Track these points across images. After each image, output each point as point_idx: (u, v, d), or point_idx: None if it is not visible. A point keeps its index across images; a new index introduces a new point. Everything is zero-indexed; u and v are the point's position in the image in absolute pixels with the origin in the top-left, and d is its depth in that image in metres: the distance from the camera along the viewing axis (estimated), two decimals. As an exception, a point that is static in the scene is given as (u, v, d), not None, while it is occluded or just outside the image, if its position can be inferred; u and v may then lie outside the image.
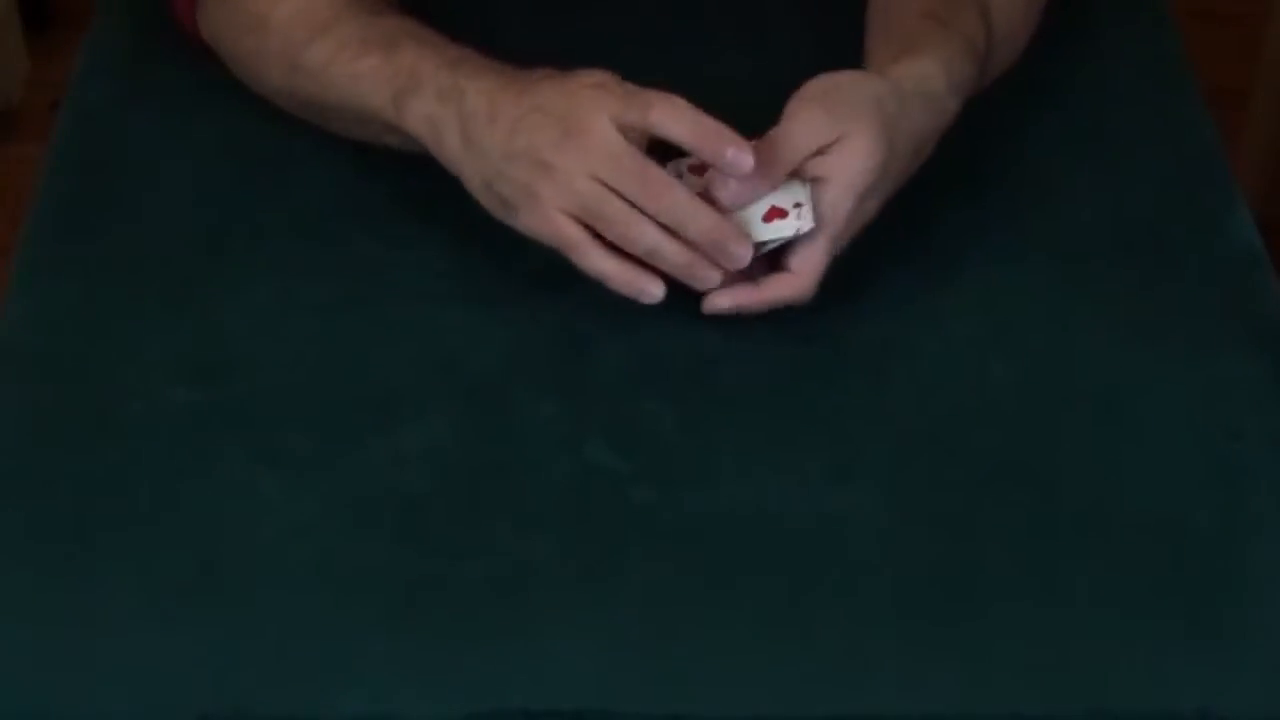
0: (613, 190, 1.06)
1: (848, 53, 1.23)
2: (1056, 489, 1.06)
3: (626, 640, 0.99)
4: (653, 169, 1.06)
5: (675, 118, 1.06)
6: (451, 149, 1.11)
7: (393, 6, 1.21)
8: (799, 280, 1.10)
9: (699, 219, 1.06)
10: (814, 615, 1.00)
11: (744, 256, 1.07)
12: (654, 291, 1.08)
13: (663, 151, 1.08)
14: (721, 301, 1.10)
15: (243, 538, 1.03)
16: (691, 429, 1.09)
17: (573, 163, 1.06)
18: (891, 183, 1.11)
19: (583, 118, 1.06)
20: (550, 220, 1.07)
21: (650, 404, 1.10)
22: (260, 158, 1.24)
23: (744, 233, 1.08)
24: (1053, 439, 1.08)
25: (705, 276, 1.09)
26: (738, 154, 1.06)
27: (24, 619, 1.00)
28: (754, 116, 1.16)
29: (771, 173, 1.08)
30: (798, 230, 1.08)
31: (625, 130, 1.06)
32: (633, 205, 1.06)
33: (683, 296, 1.11)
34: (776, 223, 1.08)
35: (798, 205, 1.08)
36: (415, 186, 1.20)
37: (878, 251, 1.15)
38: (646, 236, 1.06)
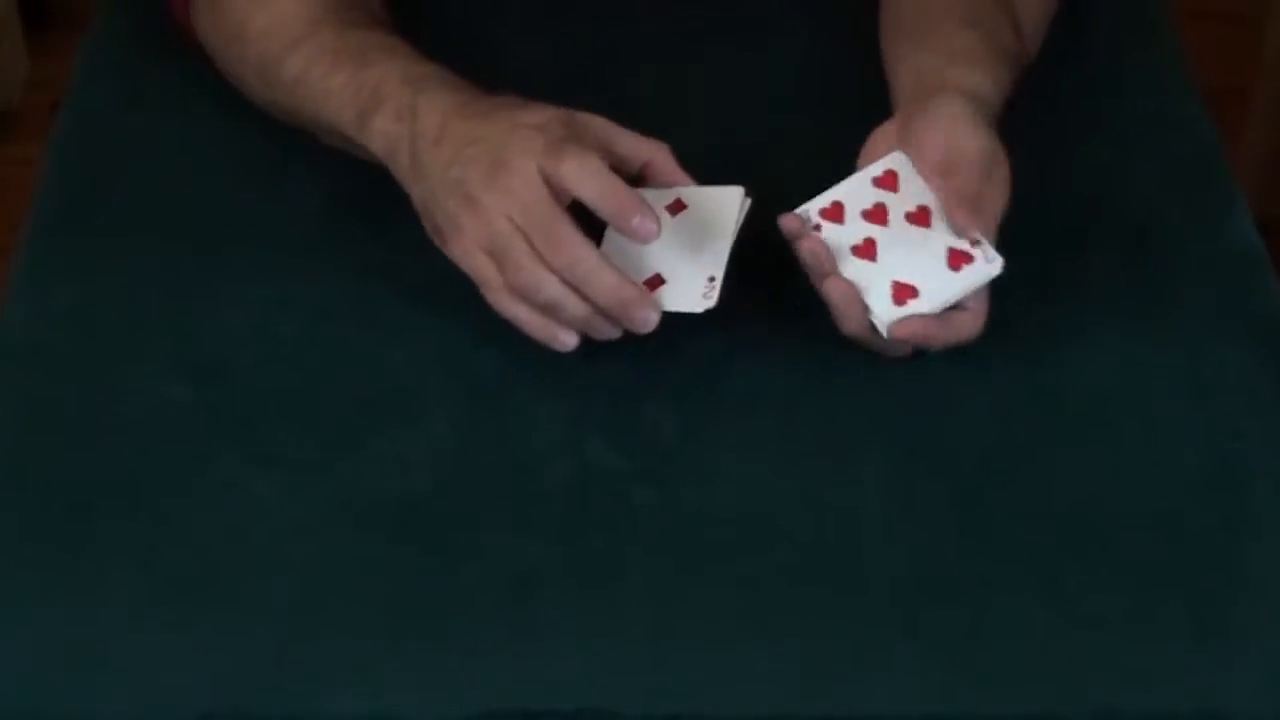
0: (524, 237, 1.05)
1: (848, 53, 1.23)
2: (1056, 488, 1.06)
3: (626, 640, 0.99)
4: (564, 223, 1.05)
5: (585, 177, 1.05)
6: (402, 167, 1.11)
7: (372, 17, 1.20)
8: (976, 320, 1.09)
9: (600, 281, 1.05)
10: (814, 615, 1.00)
11: (650, 320, 1.06)
12: (566, 340, 1.08)
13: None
14: (909, 330, 1.08)
15: (242, 538, 1.03)
16: (691, 429, 1.09)
17: (494, 201, 1.06)
18: (1003, 183, 1.12)
19: (512, 157, 1.06)
20: (470, 255, 1.07)
21: (650, 404, 1.10)
22: (260, 158, 1.24)
23: (648, 298, 1.06)
24: (1052, 439, 1.08)
25: (605, 331, 1.08)
26: (642, 221, 1.05)
27: (24, 619, 1.00)
28: (754, 117, 1.17)
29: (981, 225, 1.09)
30: (989, 275, 1.08)
31: (547, 179, 1.05)
32: (538, 256, 1.05)
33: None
34: (965, 269, 1.09)
35: (976, 243, 1.09)
36: (415, 186, 1.20)
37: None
38: (545, 289, 1.06)
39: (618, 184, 1.05)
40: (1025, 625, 1.00)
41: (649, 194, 1.08)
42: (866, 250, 1.09)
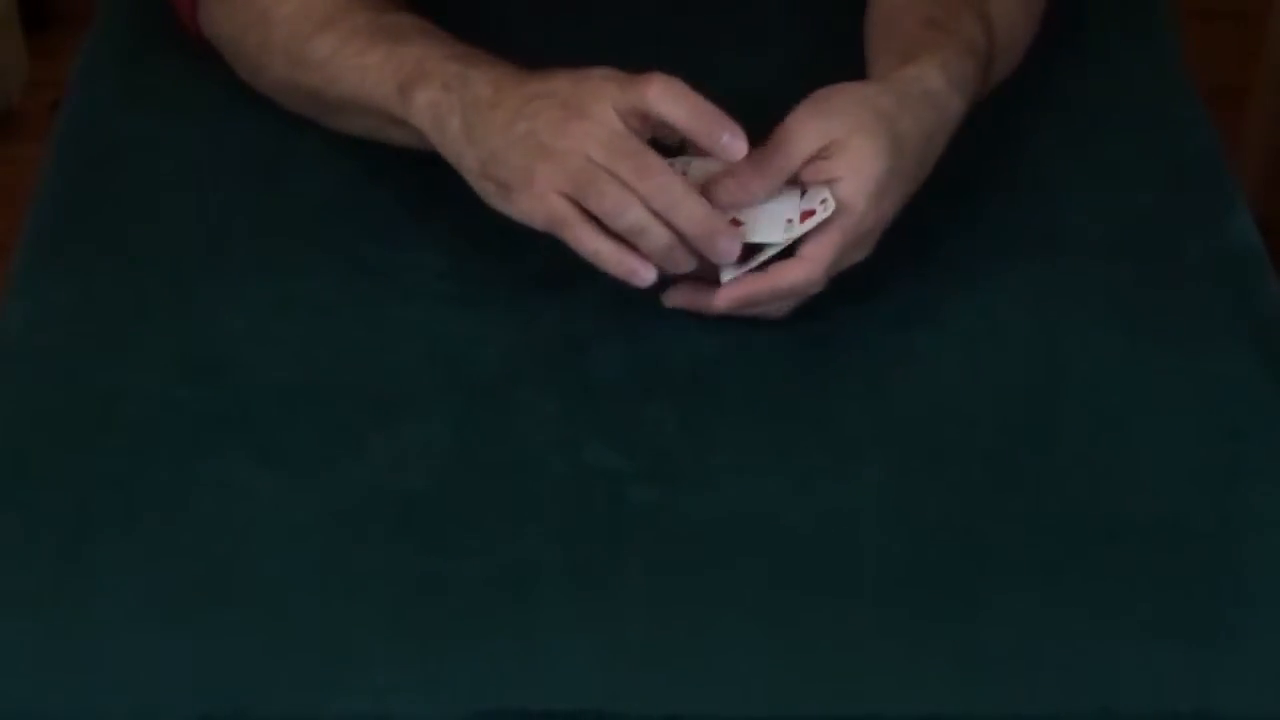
0: (607, 171, 1.06)
1: (848, 54, 1.23)
2: (1056, 488, 1.06)
3: (625, 640, 0.99)
4: (649, 154, 1.06)
5: (672, 98, 1.06)
6: (452, 134, 1.11)
7: (397, 3, 1.21)
8: (809, 265, 1.09)
9: (690, 207, 1.06)
10: (813, 615, 1.00)
11: (731, 250, 1.08)
12: (645, 274, 1.08)
13: (667, 152, 1.09)
14: (735, 292, 1.10)
15: (242, 537, 1.03)
16: (691, 429, 1.09)
17: (571, 144, 1.06)
18: (905, 183, 1.11)
19: (584, 103, 1.07)
20: (544, 199, 1.08)
21: (650, 404, 1.10)
22: (260, 158, 1.24)
23: (733, 228, 1.08)
24: (1052, 438, 1.08)
25: (683, 263, 1.08)
26: (732, 140, 1.06)
27: (24, 619, 1.00)
28: (753, 118, 1.16)
29: (769, 175, 1.08)
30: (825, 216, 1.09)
31: (625, 117, 1.06)
32: (625, 184, 1.06)
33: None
34: (809, 221, 1.09)
35: (824, 201, 1.09)
36: (415, 186, 1.20)
37: (877, 252, 1.15)
38: (632, 214, 1.06)
39: (705, 103, 1.07)
40: (1025, 625, 1.00)
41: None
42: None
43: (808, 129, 1.09)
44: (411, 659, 0.98)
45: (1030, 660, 0.98)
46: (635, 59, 1.16)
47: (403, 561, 1.02)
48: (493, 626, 0.99)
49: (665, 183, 1.06)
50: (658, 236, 1.07)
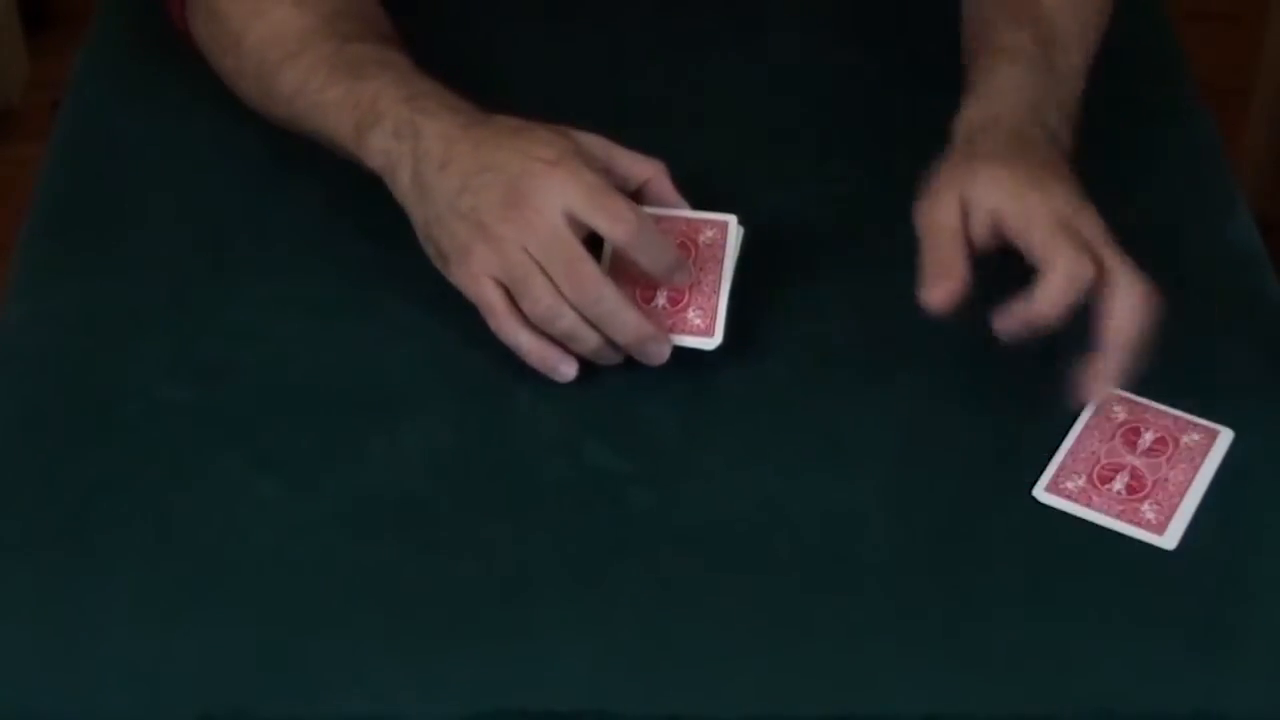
0: (542, 272, 1.06)
1: (848, 54, 1.23)
2: (1056, 489, 1.06)
3: (625, 641, 0.99)
4: (586, 262, 1.06)
5: (640, 243, 1.06)
6: (403, 186, 1.11)
7: (370, 29, 1.19)
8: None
9: (621, 320, 1.07)
10: (813, 615, 1.00)
11: (663, 355, 1.08)
12: (566, 371, 1.09)
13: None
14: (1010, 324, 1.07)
15: (242, 538, 1.03)
16: (690, 430, 1.09)
17: (510, 233, 1.06)
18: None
19: (530, 193, 1.06)
20: (477, 281, 1.08)
21: (649, 405, 1.10)
22: (260, 158, 1.24)
23: (664, 336, 1.08)
24: (1052, 439, 1.08)
25: (610, 358, 1.09)
26: (681, 276, 1.08)
27: (24, 619, 1.00)
28: (753, 117, 1.16)
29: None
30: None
31: (571, 221, 1.06)
32: (557, 290, 1.06)
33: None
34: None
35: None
36: (415, 186, 1.19)
37: (877, 253, 1.15)
38: (563, 321, 1.07)
39: (667, 244, 1.08)
40: (1025, 625, 1.00)
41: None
42: None
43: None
44: (411, 659, 0.98)
45: (1030, 660, 0.98)
46: (635, 58, 1.16)
47: (402, 562, 1.02)
48: (492, 627, 0.99)
49: (598, 294, 1.06)
50: (590, 341, 1.08)
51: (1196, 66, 1.33)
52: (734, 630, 0.99)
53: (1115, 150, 1.26)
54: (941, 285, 1.06)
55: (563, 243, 1.05)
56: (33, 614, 1.00)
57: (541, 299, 1.06)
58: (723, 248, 1.10)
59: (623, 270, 1.08)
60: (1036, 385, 1.11)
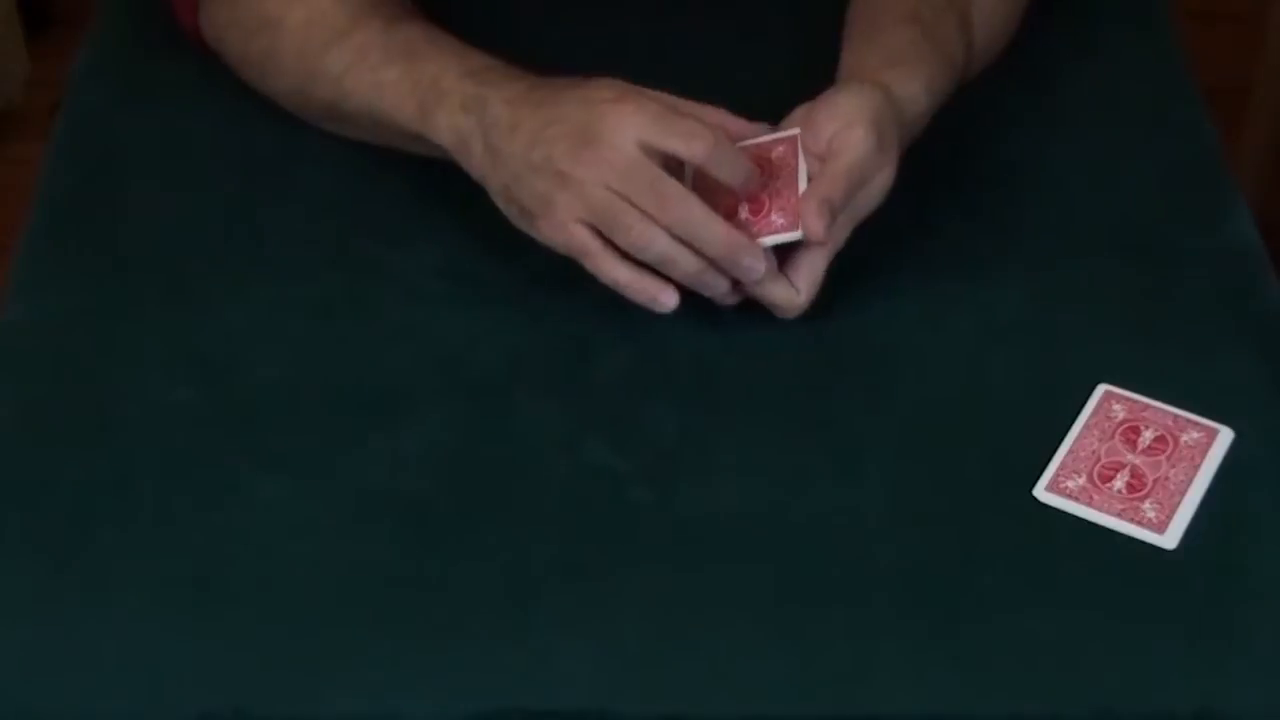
0: (628, 201, 1.07)
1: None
2: (1056, 489, 1.06)
3: (625, 640, 0.99)
4: (668, 182, 1.07)
5: (712, 156, 1.08)
6: (477, 158, 1.12)
7: (409, 12, 1.20)
8: (796, 296, 1.11)
9: (711, 232, 1.07)
10: (814, 615, 1.00)
11: (756, 268, 1.09)
12: (666, 301, 1.09)
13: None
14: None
15: (242, 538, 1.03)
16: (690, 430, 1.09)
17: (589, 174, 1.07)
18: (878, 192, 1.11)
19: (600, 132, 1.07)
20: (565, 229, 1.08)
21: (650, 404, 1.10)
22: (260, 158, 1.24)
23: (756, 245, 1.09)
24: (1052, 439, 1.08)
25: (715, 284, 1.10)
26: (749, 180, 1.09)
27: (24, 619, 1.00)
28: (754, 116, 1.16)
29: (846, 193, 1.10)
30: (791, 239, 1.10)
31: (646, 149, 1.07)
32: (646, 215, 1.07)
33: (684, 298, 1.11)
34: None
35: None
36: (415, 186, 1.20)
37: (877, 252, 1.15)
38: (658, 244, 1.07)
39: (741, 156, 1.09)
40: (1025, 625, 1.00)
41: None
42: None
43: (875, 158, 1.10)
44: (411, 659, 0.98)
45: (1030, 660, 0.98)
46: (634, 58, 1.16)
47: (402, 561, 1.02)
48: (493, 626, 0.99)
49: (686, 211, 1.07)
50: (687, 263, 1.08)
51: (1196, 66, 1.33)
52: (734, 630, 0.99)
53: (1115, 150, 1.26)
54: (822, 214, 1.08)
55: (641, 168, 1.07)
56: (33, 614, 1.00)
57: (633, 226, 1.07)
58: (795, 156, 1.11)
59: (703, 190, 1.09)
60: (1036, 385, 1.11)
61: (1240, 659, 0.99)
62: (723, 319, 1.12)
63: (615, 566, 1.02)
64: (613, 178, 1.07)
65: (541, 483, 1.06)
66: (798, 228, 1.09)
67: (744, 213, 1.11)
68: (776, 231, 1.09)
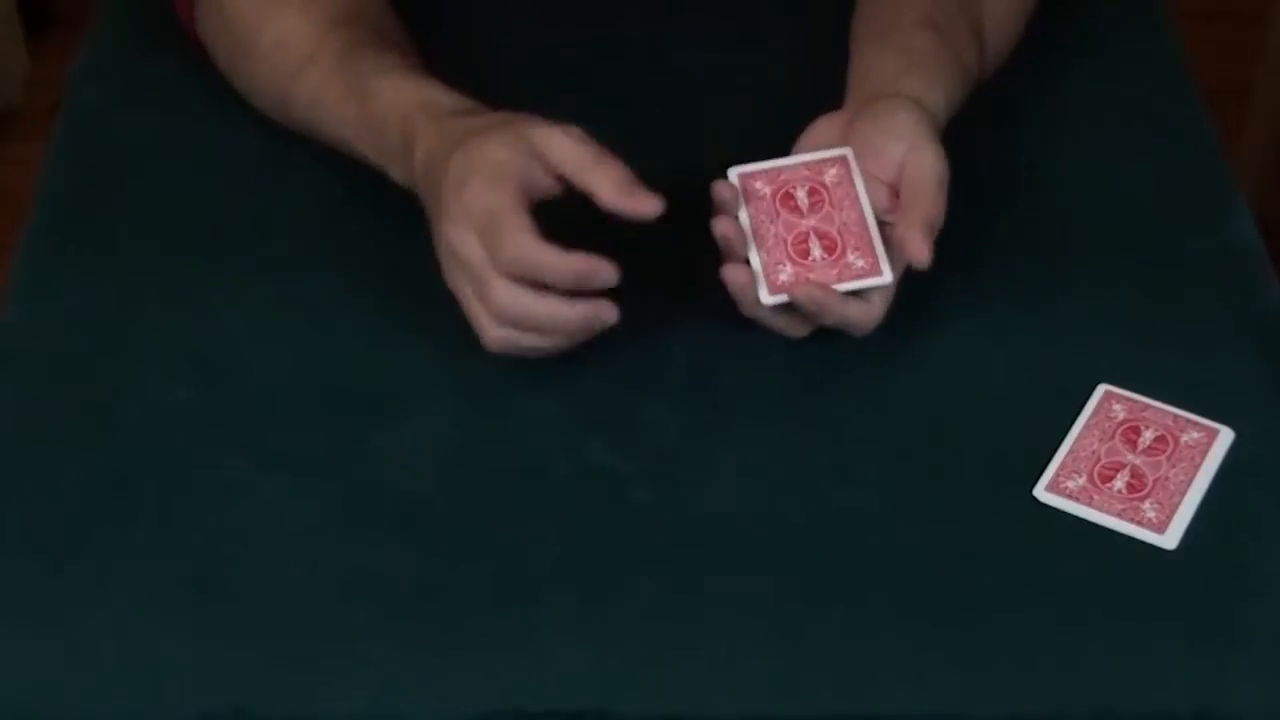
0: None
1: (847, 53, 1.22)
2: (1056, 489, 1.06)
3: (625, 641, 0.99)
4: (489, 270, 1.05)
5: (523, 260, 1.04)
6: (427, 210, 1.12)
7: (373, 28, 1.19)
8: (870, 311, 1.10)
9: (541, 310, 1.05)
10: (814, 616, 1.00)
11: (611, 275, 1.05)
12: (607, 316, 1.06)
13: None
14: (801, 292, 1.08)
15: (242, 538, 1.03)
16: (691, 430, 1.09)
17: (445, 250, 1.07)
18: None
19: (447, 230, 1.06)
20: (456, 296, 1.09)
21: (650, 405, 1.10)
22: (260, 158, 1.24)
23: (601, 261, 1.05)
24: (1052, 439, 1.08)
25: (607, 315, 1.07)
26: (606, 274, 1.05)
27: (24, 619, 1.00)
28: (753, 116, 1.16)
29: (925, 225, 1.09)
30: (878, 284, 1.09)
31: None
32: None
33: (684, 298, 1.10)
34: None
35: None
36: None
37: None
38: (555, 332, 1.07)
39: (558, 256, 1.04)
40: (1025, 625, 1.00)
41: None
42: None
43: (939, 167, 1.10)
44: (411, 659, 0.98)
45: (1030, 660, 0.98)
46: (634, 58, 1.16)
47: (402, 561, 1.02)
48: (493, 626, 0.99)
49: (512, 299, 1.05)
50: (541, 339, 1.07)
51: (1196, 66, 1.33)
52: (734, 630, 0.99)
53: (1115, 150, 1.26)
54: (929, 240, 1.07)
55: (471, 264, 1.05)
56: (33, 614, 1.00)
57: (527, 344, 1.07)
58: (851, 181, 1.10)
59: (768, 226, 1.09)
60: (1036, 385, 1.11)
61: (1240, 659, 0.99)
62: (723, 319, 1.12)
63: (615, 567, 1.02)
64: (457, 266, 1.06)
65: (541, 483, 1.06)
66: (880, 270, 1.07)
67: (816, 250, 1.09)
68: (858, 276, 1.08)
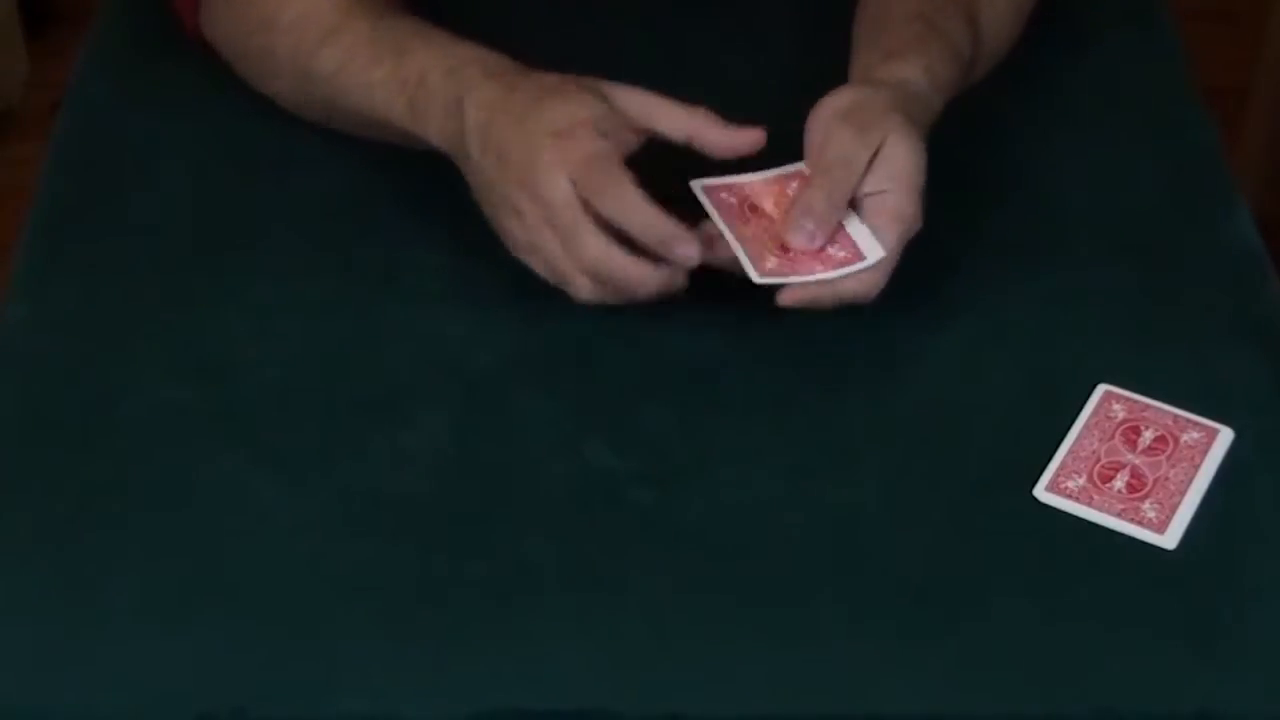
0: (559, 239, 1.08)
1: (848, 53, 1.22)
2: (1056, 489, 1.06)
3: (626, 640, 0.99)
4: (584, 228, 1.07)
5: (621, 210, 1.06)
6: (460, 161, 1.13)
7: (399, 7, 1.20)
8: (873, 275, 1.10)
9: (624, 276, 1.07)
10: (814, 615, 1.00)
11: (692, 256, 1.07)
12: (688, 251, 1.08)
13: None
14: (797, 294, 1.09)
15: (242, 538, 1.03)
16: (691, 430, 1.09)
17: (530, 210, 1.08)
18: (905, 164, 1.11)
19: (536, 173, 1.07)
20: (523, 256, 1.11)
21: (650, 405, 1.10)
22: (260, 158, 1.24)
23: (689, 235, 1.07)
24: (1052, 439, 1.08)
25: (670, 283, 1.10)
26: (686, 250, 1.07)
27: (24, 619, 1.00)
28: (753, 115, 1.16)
29: (839, 201, 1.09)
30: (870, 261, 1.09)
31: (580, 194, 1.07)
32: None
33: (684, 297, 1.11)
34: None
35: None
36: (415, 186, 1.20)
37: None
38: (579, 290, 1.09)
39: (655, 215, 1.07)
40: (1025, 625, 1.00)
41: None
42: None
43: (855, 142, 1.10)
44: (411, 659, 0.98)
45: (1030, 660, 0.98)
46: (634, 59, 1.16)
47: (402, 561, 1.02)
48: (493, 626, 0.99)
49: (602, 255, 1.07)
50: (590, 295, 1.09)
51: (1196, 66, 1.33)
52: (734, 630, 0.99)
53: (1115, 149, 1.26)
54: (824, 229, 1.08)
55: (563, 213, 1.07)
56: (33, 613, 1.00)
57: (556, 267, 1.09)
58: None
59: (742, 228, 1.09)
60: (1036, 385, 1.11)
61: (1240, 659, 0.99)
62: (723, 319, 1.12)
63: (614, 566, 1.02)
64: (545, 217, 1.08)
65: (541, 483, 1.06)
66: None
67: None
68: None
